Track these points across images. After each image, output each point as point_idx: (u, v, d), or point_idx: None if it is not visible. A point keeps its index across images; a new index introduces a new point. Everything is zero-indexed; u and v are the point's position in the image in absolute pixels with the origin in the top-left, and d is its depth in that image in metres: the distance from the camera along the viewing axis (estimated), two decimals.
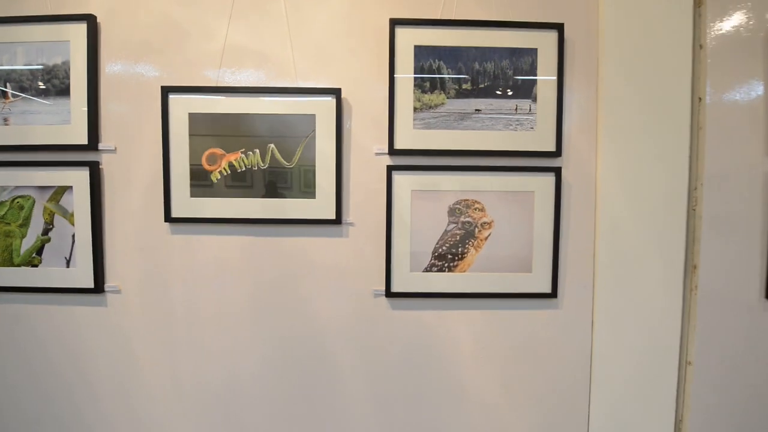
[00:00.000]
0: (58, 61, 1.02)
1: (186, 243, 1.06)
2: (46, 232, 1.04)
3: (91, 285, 1.04)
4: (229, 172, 1.04)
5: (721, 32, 1.08)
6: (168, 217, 1.04)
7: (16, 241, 1.03)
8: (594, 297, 1.08)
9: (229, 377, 1.08)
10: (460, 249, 1.07)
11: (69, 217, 1.03)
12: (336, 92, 1.03)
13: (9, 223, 1.03)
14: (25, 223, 1.03)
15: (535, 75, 1.05)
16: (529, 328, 1.09)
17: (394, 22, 1.03)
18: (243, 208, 1.05)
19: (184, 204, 1.04)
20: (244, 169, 1.04)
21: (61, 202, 1.03)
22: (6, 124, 1.02)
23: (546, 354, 1.09)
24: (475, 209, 1.06)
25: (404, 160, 1.06)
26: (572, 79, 1.08)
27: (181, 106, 1.03)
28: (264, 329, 1.07)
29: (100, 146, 1.04)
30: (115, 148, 1.04)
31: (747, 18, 1.07)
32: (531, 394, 1.10)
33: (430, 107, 1.05)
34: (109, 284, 1.05)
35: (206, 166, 1.04)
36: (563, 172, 1.07)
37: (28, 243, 1.04)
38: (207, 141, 1.04)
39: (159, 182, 1.04)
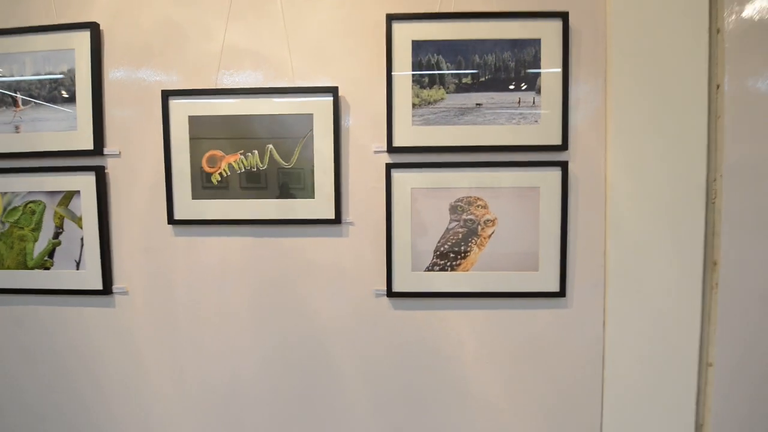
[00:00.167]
0: (64, 68, 1.04)
1: (189, 244, 1.06)
2: (56, 235, 1.06)
3: (100, 287, 1.05)
4: (229, 173, 1.04)
5: (740, 15, 1.00)
6: (171, 219, 1.05)
7: (29, 245, 1.06)
8: (605, 296, 1.03)
9: (231, 376, 1.07)
10: (462, 247, 1.03)
11: (77, 220, 1.06)
12: (333, 91, 1.01)
13: (22, 228, 1.06)
14: (37, 228, 1.06)
15: (539, 66, 1.01)
16: (537, 329, 1.04)
17: (391, 18, 1.00)
18: (243, 209, 1.04)
19: (186, 206, 1.05)
20: (243, 170, 1.04)
21: (69, 207, 1.06)
22: (17, 132, 1.05)
23: (555, 356, 1.05)
24: (478, 206, 1.03)
25: (403, 157, 1.03)
26: (578, 69, 1.02)
27: (182, 110, 1.03)
28: (265, 329, 1.07)
29: (106, 151, 1.05)
30: (120, 153, 1.06)
31: None
32: (539, 398, 1.05)
33: (430, 103, 1.02)
34: (116, 286, 1.07)
35: (207, 168, 1.04)
36: (570, 166, 1.02)
37: (40, 246, 1.07)
38: (207, 143, 1.04)
39: (162, 185, 1.04)
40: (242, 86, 1.04)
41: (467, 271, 1.03)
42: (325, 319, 1.06)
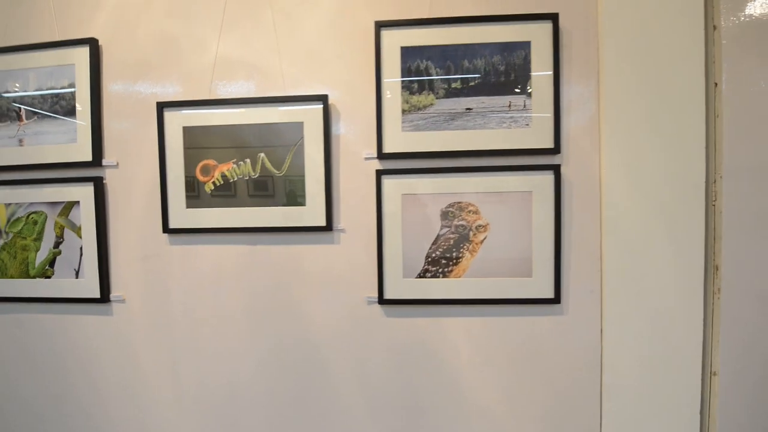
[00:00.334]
0: (65, 83, 1.07)
1: (184, 253, 1.07)
2: (57, 245, 1.08)
3: (98, 295, 1.07)
4: (222, 182, 1.05)
5: (737, 10, 0.97)
6: (166, 228, 1.06)
7: (31, 255, 1.09)
8: (602, 302, 1.00)
9: (227, 381, 1.07)
10: (454, 253, 1.02)
11: (77, 230, 1.08)
12: (323, 99, 1.01)
13: (25, 238, 1.09)
14: (39, 237, 1.09)
15: (529, 69, 0.99)
16: (532, 336, 1.01)
17: (380, 25, 1.00)
18: (236, 218, 1.04)
19: (181, 215, 1.06)
20: (236, 178, 1.05)
21: (69, 217, 1.08)
22: (21, 145, 1.08)
23: (551, 364, 1.01)
24: (469, 212, 1.01)
25: (393, 163, 1.02)
26: (570, 70, 1.00)
27: (176, 121, 1.05)
28: (260, 336, 1.06)
29: (104, 162, 1.07)
30: (117, 164, 1.08)
31: None
32: (536, 406, 1.01)
33: (419, 108, 1.01)
34: (114, 294, 1.08)
35: (200, 178, 1.05)
36: (563, 169, 1.00)
37: (41, 256, 1.09)
38: (201, 153, 1.05)
39: (158, 194, 1.06)
40: (234, 96, 1.05)
41: (459, 277, 1.01)
42: (318, 326, 1.05)
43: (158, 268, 1.08)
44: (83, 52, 1.06)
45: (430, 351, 1.03)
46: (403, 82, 1.01)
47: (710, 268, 0.99)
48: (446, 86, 1.00)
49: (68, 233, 1.08)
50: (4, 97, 1.08)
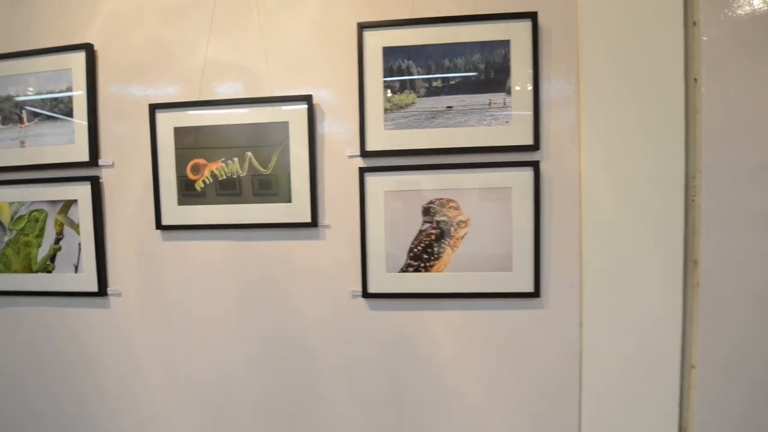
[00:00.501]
0: (63, 87, 1.11)
1: (176, 248, 1.11)
2: (57, 241, 1.13)
3: (96, 289, 1.11)
4: (211, 180, 1.08)
5: (717, 6, 0.97)
6: (159, 225, 1.10)
7: (33, 251, 1.14)
8: (581, 296, 1.01)
9: (218, 371, 1.10)
10: (435, 248, 1.03)
11: (75, 227, 1.12)
12: (307, 99, 1.04)
13: (27, 234, 1.14)
14: (40, 234, 1.13)
15: (509, 67, 1.00)
16: (512, 329, 1.02)
17: (362, 26, 1.02)
18: (225, 214, 1.07)
19: (173, 212, 1.09)
20: (225, 177, 1.08)
21: (68, 214, 1.12)
22: (22, 147, 1.13)
23: (531, 356, 1.02)
24: (450, 208, 1.03)
25: (376, 161, 1.04)
26: (550, 67, 1.01)
27: (167, 122, 1.08)
28: (249, 328, 1.09)
29: (100, 162, 1.10)
30: (113, 164, 1.12)
31: None
32: (516, 398, 1.03)
33: (401, 107, 1.03)
34: (111, 288, 1.12)
35: (191, 176, 1.09)
36: (543, 165, 1.01)
37: (43, 252, 1.14)
38: (191, 152, 1.08)
39: (151, 193, 1.10)
40: (223, 97, 1.08)
41: (441, 271, 1.03)
42: (305, 319, 1.08)
43: (152, 264, 1.12)
44: (80, 57, 1.10)
45: (413, 343, 1.05)
46: (385, 81, 1.03)
47: (690, 263, 0.99)
48: (427, 85, 1.02)
49: (67, 230, 1.12)
50: (6, 100, 1.13)
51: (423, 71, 1.02)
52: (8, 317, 1.18)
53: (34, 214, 1.13)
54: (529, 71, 0.99)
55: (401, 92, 1.02)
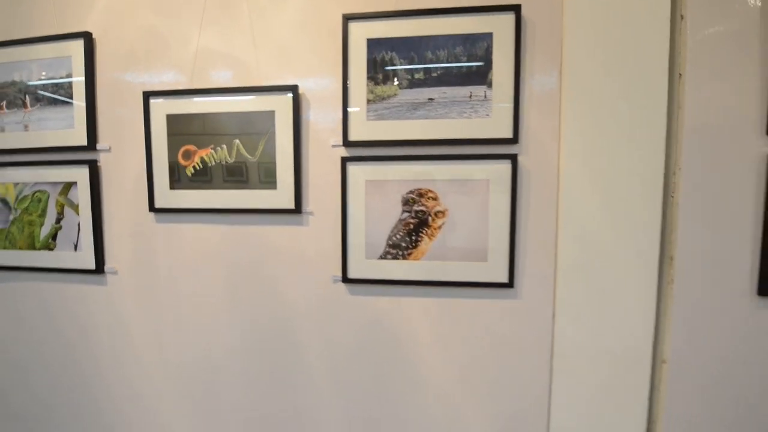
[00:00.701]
0: (63, 73, 1.16)
1: (168, 231, 1.16)
2: (58, 221, 1.19)
3: (93, 267, 1.17)
4: (201, 166, 1.12)
5: (706, 0, 0.96)
6: (152, 208, 1.14)
7: (36, 229, 1.20)
8: (555, 288, 1.02)
9: (206, 348, 1.15)
10: (413, 237, 1.06)
11: (75, 208, 1.18)
12: (293, 89, 1.06)
13: (31, 214, 1.20)
14: (43, 214, 1.19)
15: (491, 60, 1.00)
16: (486, 318, 1.04)
17: (347, 18, 1.04)
18: (213, 199, 1.11)
19: (165, 196, 1.14)
20: (214, 163, 1.12)
21: (69, 195, 1.18)
22: (26, 130, 1.19)
23: (504, 345, 1.04)
24: (429, 198, 1.05)
25: (358, 151, 1.06)
26: (533, 61, 1.01)
27: (160, 109, 1.12)
28: (236, 307, 1.13)
29: (98, 146, 1.15)
30: (110, 148, 1.16)
31: None
32: (487, 384, 1.05)
33: (383, 98, 1.05)
34: (108, 266, 1.18)
35: (182, 162, 1.13)
36: (522, 159, 1.01)
37: (45, 230, 1.20)
38: (182, 139, 1.12)
39: (144, 176, 1.15)
40: (213, 86, 1.11)
41: (418, 260, 1.05)
42: (289, 300, 1.12)
43: (146, 244, 1.17)
44: (79, 45, 1.14)
45: (391, 328, 1.09)
46: (368, 72, 1.04)
47: (666, 259, 0.99)
48: (410, 77, 1.03)
49: (68, 210, 1.18)
50: (11, 85, 1.18)
51: (405, 63, 1.03)
52: (13, 291, 1.25)
53: (37, 194, 1.19)
54: (511, 64, 0.99)
55: (384, 84, 1.04)
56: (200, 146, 1.11)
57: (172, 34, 1.12)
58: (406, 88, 1.03)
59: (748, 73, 0.93)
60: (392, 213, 1.05)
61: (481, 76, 1.00)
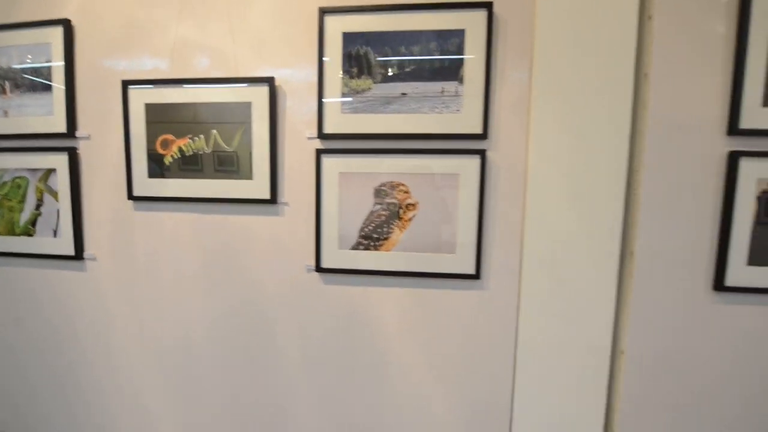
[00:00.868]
0: (43, 60, 1.16)
1: (146, 218, 1.17)
2: (37, 207, 1.20)
3: (72, 253, 1.19)
4: (179, 155, 1.14)
5: (674, 1, 0.97)
6: (130, 196, 1.16)
7: (16, 215, 1.22)
8: (520, 281, 1.05)
9: (183, 332, 1.17)
10: (385, 229, 1.08)
11: (54, 194, 1.19)
12: (269, 81, 1.07)
13: (11, 200, 1.21)
14: (23, 200, 1.20)
15: (462, 57, 1.02)
16: (454, 308, 1.07)
17: (323, 11, 1.05)
18: (191, 188, 1.11)
19: (143, 184, 1.15)
20: (191, 153, 1.13)
21: (48, 182, 1.19)
22: (6, 116, 1.19)
23: (470, 334, 1.07)
24: (400, 191, 1.07)
25: (333, 143, 1.07)
26: (504, 59, 1.03)
27: (139, 98, 1.13)
28: (212, 295, 1.15)
29: (77, 134, 1.16)
30: (90, 136, 1.17)
31: None
32: (454, 372, 1.08)
33: (358, 92, 1.06)
34: (87, 252, 1.19)
35: (160, 151, 1.14)
36: (491, 154, 1.04)
37: (25, 216, 1.21)
38: (161, 128, 1.13)
39: (123, 165, 1.16)
40: (192, 75, 1.12)
41: (389, 251, 1.08)
42: (264, 289, 1.14)
43: (124, 231, 1.18)
44: (58, 32, 1.14)
45: (362, 316, 1.12)
46: (343, 66, 1.05)
47: (627, 254, 1.03)
48: (383, 71, 1.05)
49: (47, 197, 1.20)
50: None
51: (380, 58, 1.04)
52: None
53: (17, 180, 1.20)
54: (482, 61, 1.01)
55: (359, 77, 1.05)
56: (178, 136, 1.12)
57: (151, 23, 1.12)
58: (380, 82, 1.04)
59: (712, 74, 0.95)
60: (365, 205, 1.07)
61: (453, 72, 1.02)
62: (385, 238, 1.07)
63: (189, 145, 1.11)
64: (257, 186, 1.10)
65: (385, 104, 1.04)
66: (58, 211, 1.18)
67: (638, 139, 0.99)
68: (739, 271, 0.96)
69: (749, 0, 0.91)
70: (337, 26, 1.04)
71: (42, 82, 1.16)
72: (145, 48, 1.13)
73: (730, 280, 0.96)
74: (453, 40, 1.01)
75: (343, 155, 1.06)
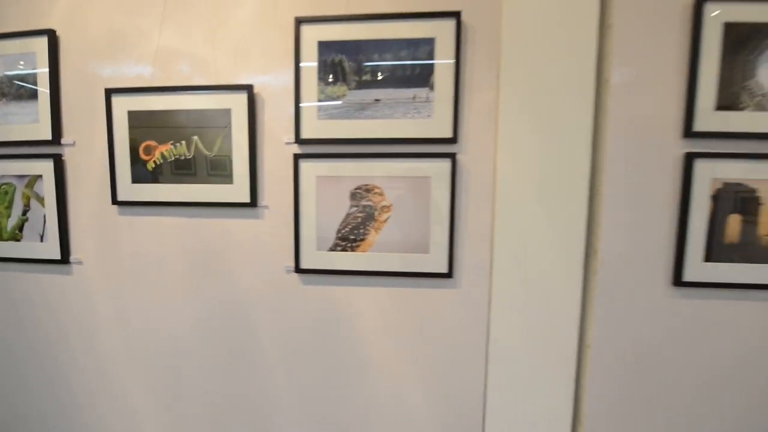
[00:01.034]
0: (29, 69, 1.20)
1: (130, 222, 1.20)
2: (24, 212, 1.23)
3: (59, 257, 1.21)
4: (162, 161, 1.17)
5: (631, 10, 1.02)
6: (115, 200, 1.19)
7: (3, 221, 1.24)
8: (491, 279, 1.10)
9: (168, 333, 1.20)
10: (361, 230, 1.12)
11: (41, 200, 1.21)
12: (248, 88, 1.11)
13: None
14: (10, 206, 1.23)
15: (433, 64, 1.07)
16: (428, 306, 1.10)
17: (299, 21, 1.09)
18: (173, 193, 1.14)
19: (127, 189, 1.18)
20: (173, 158, 1.17)
21: (35, 188, 1.22)
22: None
23: (443, 331, 1.11)
24: (375, 193, 1.11)
25: (310, 148, 1.11)
26: (473, 65, 1.07)
27: (122, 105, 1.16)
28: (196, 296, 1.17)
29: (62, 141, 1.18)
30: (74, 142, 1.20)
31: None
32: (428, 368, 1.11)
33: (333, 99, 1.11)
34: (73, 256, 1.22)
35: (143, 156, 1.17)
36: (461, 157, 1.08)
37: (12, 222, 1.23)
38: (143, 134, 1.16)
39: (108, 170, 1.20)
40: (173, 82, 1.15)
41: (365, 251, 1.12)
42: (245, 289, 1.18)
43: (109, 235, 1.21)
44: (43, 42, 1.17)
45: (340, 315, 1.15)
46: (319, 74, 1.09)
47: (591, 251, 1.07)
48: (358, 78, 1.09)
49: (34, 203, 1.22)
50: None
51: (354, 65, 1.08)
52: None
53: (3, 187, 1.23)
54: (452, 68, 1.05)
55: (334, 84, 1.09)
56: (161, 142, 1.15)
57: (133, 33, 1.16)
58: (354, 89, 1.08)
59: (669, 80, 1.00)
60: (341, 207, 1.11)
61: (424, 78, 1.06)
62: (362, 239, 1.11)
63: (171, 151, 1.15)
64: (238, 190, 1.14)
65: (359, 110, 1.08)
66: (44, 217, 1.21)
67: (600, 142, 1.04)
68: (697, 267, 1.00)
69: (702, 10, 0.96)
70: (312, 35, 1.08)
71: (28, 91, 1.19)
72: (129, 56, 1.16)
73: (688, 275, 1.01)
74: (424, 48, 1.05)
75: (320, 159, 1.10)
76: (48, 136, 1.18)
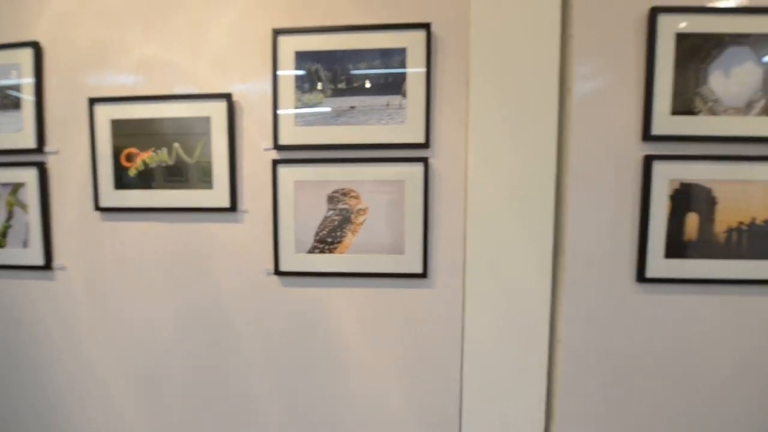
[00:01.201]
0: (14, 79, 1.23)
1: (113, 228, 1.22)
2: (8, 219, 1.25)
3: (42, 263, 1.23)
4: (143, 168, 1.20)
5: (591, 21, 1.08)
6: (97, 207, 1.21)
7: None
8: (464, 278, 1.13)
9: (151, 336, 1.21)
10: (338, 233, 1.16)
11: (24, 207, 1.23)
12: (227, 97, 1.15)
13: None
14: None
15: (405, 72, 1.11)
16: (404, 305, 1.13)
17: (277, 32, 1.13)
18: (155, 198, 1.17)
19: (109, 195, 1.20)
20: (155, 165, 1.20)
21: (18, 196, 1.24)
22: None
23: (419, 330, 1.13)
24: (351, 197, 1.15)
25: (288, 154, 1.14)
26: (443, 74, 1.11)
27: (105, 114, 1.19)
28: (178, 299, 1.19)
29: (46, 149, 1.20)
30: (58, 150, 1.22)
31: (618, 5, 1.06)
32: (405, 367, 1.14)
33: (310, 106, 1.15)
34: (56, 262, 1.24)
35: (125, 164, 1.20)
36: (433, 162, 1.12)
37: None
38: (126, 141, 1.19)
39: (90, 177, 1.22)
40: (155, 91, 1.18)
41: (343, 253, 1.15)
42: (226, 292, 1.20)
43: (92, 241, 1.23)
44: (28, 54, 1.20)
45: (319, 315, 1.18)
46: (296, 82, 1.13)
47: (559, 250, 1.11)
48: (333, 87, 1.13)
49: (17, 210, 1.24)
50: None
51: (330, 74, 1.12)
52: None
53: None
54: (423, 76, 1.09)
55: (310, 92, 1.13)
56: (142, 149, 1.18)
57: (116, 44, 1.19)
58: (330, 96, 1.12)
59: (627, 86, 1.05)
60: (319, 211, 1.15)
61: (396, 86, 1.11)
62: (339, 242, 1.14)
63: (152, 158, 1.18)
64: (218, 195, 1.16)
65: (335, 117, 1.12)
66: (27, 223, 1.23)
67: (565, 147, 1.08)
68: (658, 264, 1.05)
69: (656, 21, 1.01)
70: (290, 45, 1.12)
71: (12, 101, 1.21)
72: (112, 66, 1.19)
73: (651, 272, 1.05)
74: (396, 57, 1.10)
75: (298, 165, 1.14)
76: (32, 145, 1.21)
